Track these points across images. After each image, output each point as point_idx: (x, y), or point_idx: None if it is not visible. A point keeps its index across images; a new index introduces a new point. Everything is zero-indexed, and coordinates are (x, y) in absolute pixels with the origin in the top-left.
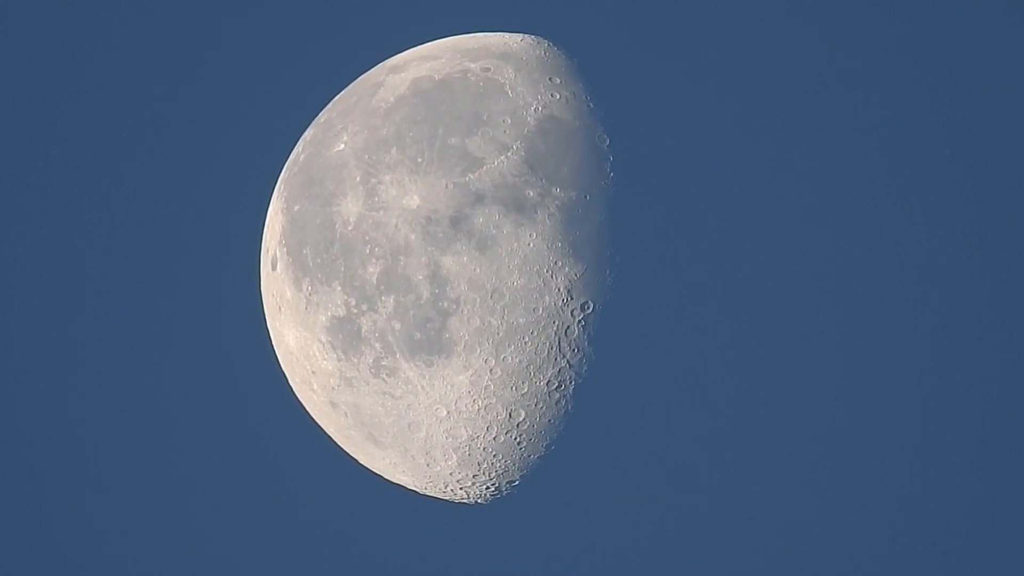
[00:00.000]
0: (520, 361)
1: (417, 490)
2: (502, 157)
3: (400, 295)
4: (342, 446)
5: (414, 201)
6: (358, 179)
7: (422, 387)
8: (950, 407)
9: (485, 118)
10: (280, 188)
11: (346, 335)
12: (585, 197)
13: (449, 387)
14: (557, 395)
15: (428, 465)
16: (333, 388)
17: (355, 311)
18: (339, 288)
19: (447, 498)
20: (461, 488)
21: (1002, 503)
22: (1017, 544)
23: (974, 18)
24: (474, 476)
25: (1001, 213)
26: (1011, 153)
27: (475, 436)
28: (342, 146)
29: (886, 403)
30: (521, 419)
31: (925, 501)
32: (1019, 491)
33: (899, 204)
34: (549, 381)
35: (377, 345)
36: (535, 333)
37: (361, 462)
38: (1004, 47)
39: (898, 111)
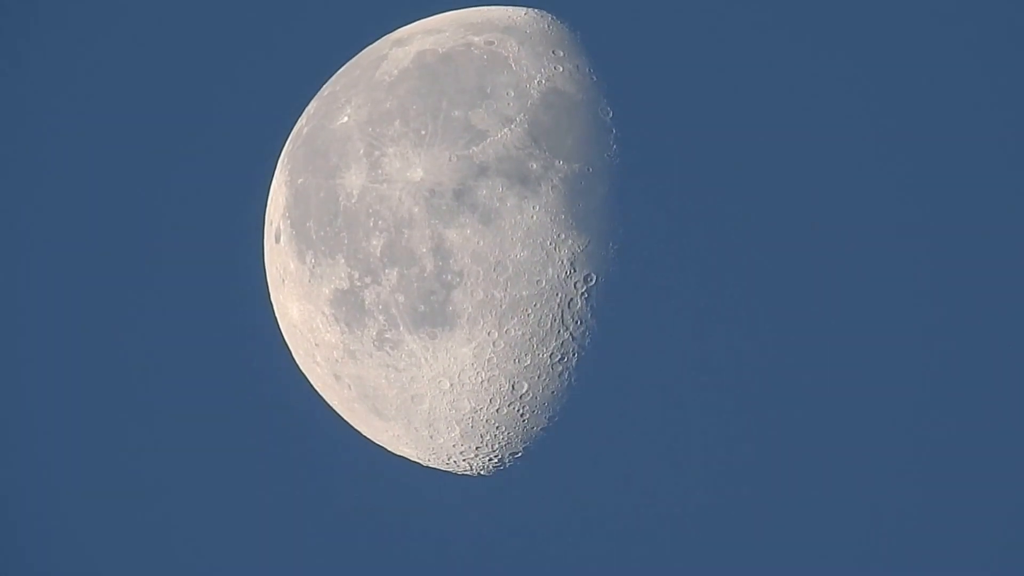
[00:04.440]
0: (523, 333)
1: (420, 462)
2: (505, 130)
3: (404, 268)
4: (345, 419)
5: (418, 174)
6: (362, 152)
7: (425, 359)
8: (952, 407)
9: (489, 91)
10: (283, 161)
11: (349, 308)
12: (588, 170)
13: (452, 359)
14: (560, 367)
15: (431, 437)
16: (336, 360)
17: (358, 284)
18: (342, 261)
19: (450, 470)
20: (464, 460)
21: (1003, 503)
22: (1017, 543)
23: (975, 18)
24: (477, 448)
25: (1002, 213)
26: (1011, 153)
27: (478, 408)
28: (345, 119)
29: (888, 384)
30: (524, 391)
31: (925, 500)
32: (1019, 491)
33: (900, 195)
34: (552, 353)
35: (381, 318)
36: (538, 305)
37: (364, 434)
38: (1005, 47)
39: (901, 104)
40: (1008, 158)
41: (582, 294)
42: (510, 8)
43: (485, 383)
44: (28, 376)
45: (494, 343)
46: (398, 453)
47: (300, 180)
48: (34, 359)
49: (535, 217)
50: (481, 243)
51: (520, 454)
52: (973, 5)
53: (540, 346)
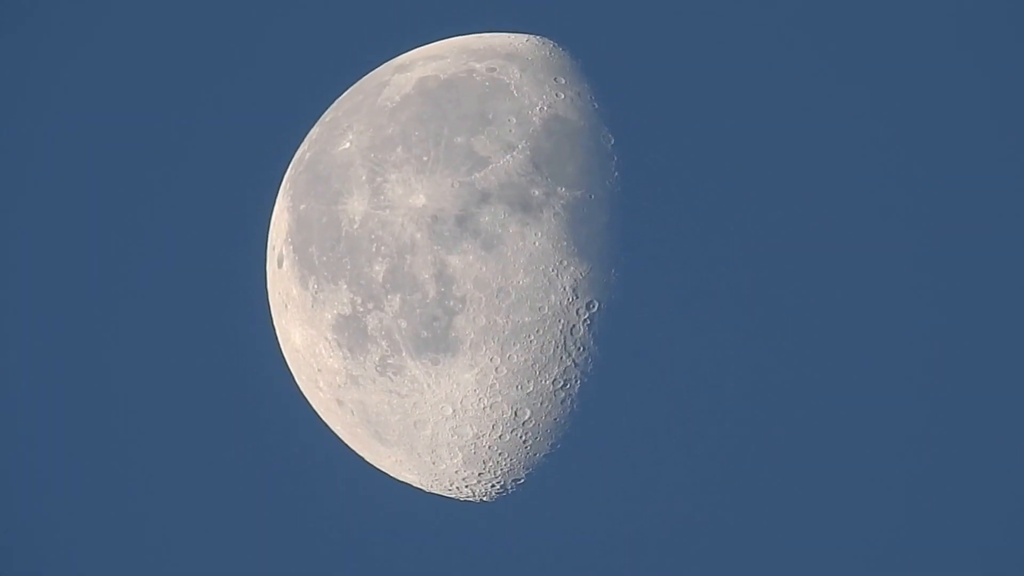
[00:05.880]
0: (526, 360)
1: (423, 488)
2: (508, 156)
3: (406, 294)
4: (348, 444)
5: (420, 200)
6: (364, 178)
7: (428, 385)
8: (954, 409)
9: (491, 117)
10: (286, 186)
11: (352, 333)
12: (590, 196)
13: (455, 385)
14: (562, 394)
15: (434, 463)
16: (339, 386)
17: (361, 309)
18: (345, 286)
19: (452, 496)
20: (467, 486)
21: (1002, 504)
22: (1016, 543)
23: (975, 18)
24: (479, 474)
25: (1002, 213)
26: (1011, 153)
27: (481, 434)
28: (348, 145)
29: (889, 405)
30: (527, 418)
31: (928, 503)
32: (1019, 491)
33: (909, 209)
34: (555, 380)
35: (383, 343)
36: (540, 332)
37: (367, 460)
38: (1005, 47)
39: (908, 113)
40: (1007, 159)
41: (584, 321)
42: (512, 35)
43: (487, 409)
44: (30, 401)
45: (496, 369)
46: (400, 479)
47: (302, 206)
48: (36, 383)
49: (537, 244)
50: (483, 269)
51: (522, 480)
52: (973, 5)
53: (542, 372)
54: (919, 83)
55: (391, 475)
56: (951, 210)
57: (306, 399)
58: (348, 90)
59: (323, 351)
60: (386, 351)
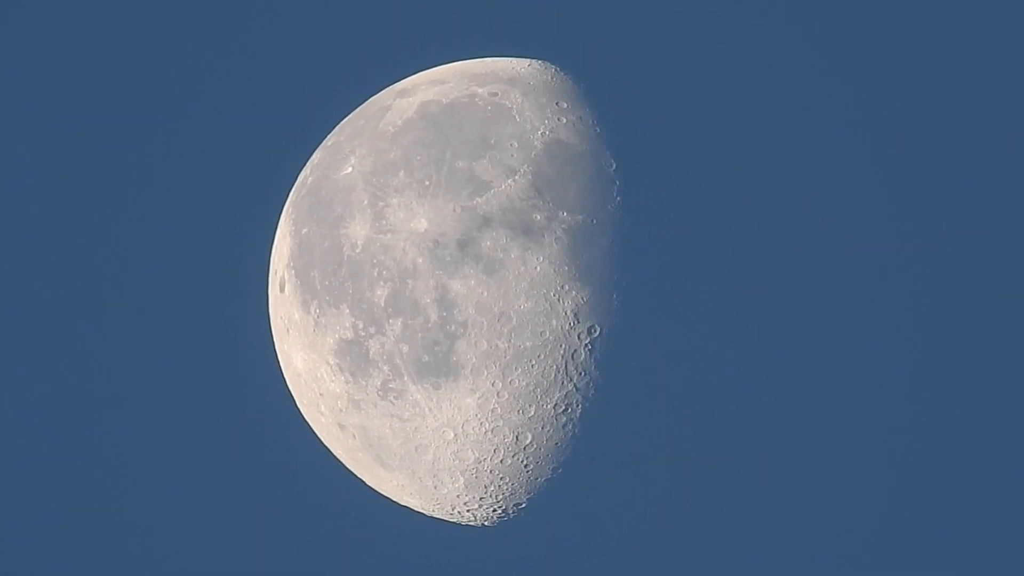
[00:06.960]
0: (527, 384)
1: (424, 512)
2: (509, 181)
3: (408, 318)
4: (350, 468)
5: (422, 224)
6: (366, 202)
7: (429, 410)
8: (955, 410)
9: (492, 142)
10: (288, 211)
11: (354, 357)
12: (592, 221)
13: (456, 410)
14: (564, 418)
15: (435, 487)
16: (341, 410)
17: (363, 334)
18: (347, 311)
19: (454, 520)
20: (468, 510)
21: (1001, 504)
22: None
23: (974, 18)
24: (481, 499)
25: (1002, 213)
26: (1011, 154)
27: (482, 459)
28: (350, 169)
29: (894, 435)
30: (528, 442)
31: (928, 504)
32: (1019, 491)
33: (919, 212)
34: (556, 404)
35: (385, 368)
36: (542, 356)
37: (369, 484)
38: (1005, 47)
39: (913, 121)
40: (1006, 160)
41: (586, 345)
42: (514, 59)
43: (489, 434)
44: (30, 436)
45: (498, 394)
46: (402, 503)
47: (304, 230)
48: (36, 404)
49: (539, 268)
50: (485, 294)
51: (524, 505)
52: (973, 6)
53: (544, 397)
54: (916, 90)
55: (393, 499)
56: (952, 211)
57: (307, 423)
58: (350, 115)
59: (325, 375)
60: (388, 375)
